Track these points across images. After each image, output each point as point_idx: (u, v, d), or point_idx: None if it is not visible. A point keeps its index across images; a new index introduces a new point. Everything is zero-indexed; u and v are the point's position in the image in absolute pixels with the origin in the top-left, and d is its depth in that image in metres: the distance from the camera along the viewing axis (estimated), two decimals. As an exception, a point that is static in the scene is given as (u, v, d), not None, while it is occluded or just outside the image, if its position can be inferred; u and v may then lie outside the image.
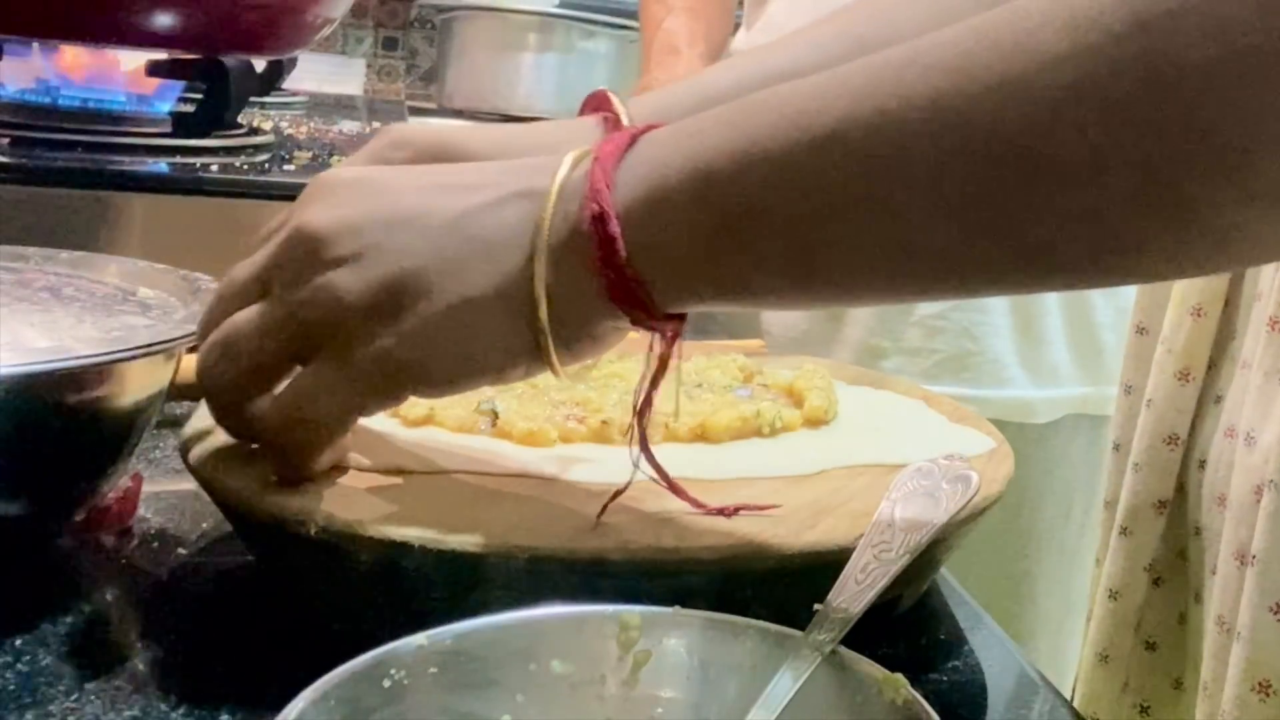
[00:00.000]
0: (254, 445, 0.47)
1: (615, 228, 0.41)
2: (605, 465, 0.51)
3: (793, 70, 0.61)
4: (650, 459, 0.47)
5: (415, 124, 0.59)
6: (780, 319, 1.12)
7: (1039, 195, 0.37)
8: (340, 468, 0.47)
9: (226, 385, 0.45)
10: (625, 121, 0.59)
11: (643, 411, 0.46)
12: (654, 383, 0.46)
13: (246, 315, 0.45)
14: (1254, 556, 0.64)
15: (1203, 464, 0.74)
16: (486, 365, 0.44)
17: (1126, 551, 0.78)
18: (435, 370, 0.43)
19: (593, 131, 0.60)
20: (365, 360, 0.43)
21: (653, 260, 0.42)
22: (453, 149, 0.56)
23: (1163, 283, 0.78)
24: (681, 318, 0.45)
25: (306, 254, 0.43)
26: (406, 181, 0.45)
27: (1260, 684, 0.63)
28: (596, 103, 0.61)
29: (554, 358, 0.43)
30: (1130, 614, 0.78)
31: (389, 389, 0.44)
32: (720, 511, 0.46)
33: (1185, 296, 0.75)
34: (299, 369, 0.45)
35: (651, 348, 0.46)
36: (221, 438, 0.49)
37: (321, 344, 0.44)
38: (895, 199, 0.38)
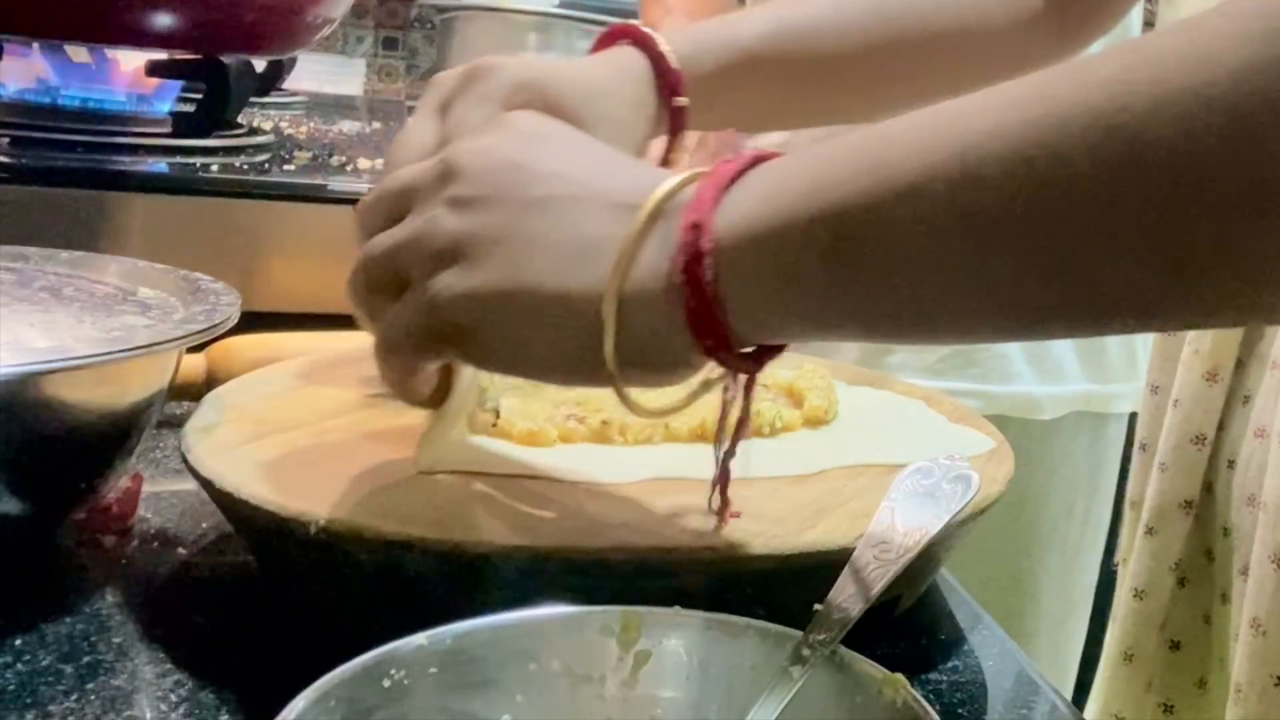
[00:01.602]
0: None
1: (708, 241, 0.39)
2: (605, 465, 0.51)
3: (812, 28, 0.60)
4: (726, 509, 0.46)
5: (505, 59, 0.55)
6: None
7: (1215, 218, 0.32)
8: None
9: (361, 299, 0.45)
10: (664, 48, 0.57)
11: (724, 482, 0.46)
12: (737, 434, 0.44)
13: (384, 237, 0.44)
14: None
15: (1231, 464, 0.73)
16: (538, 357, 0.42)
17: (1152, 551, 0.77)
18: (481, 342, 0.42)
19: (640, 65, 0.58)
20: (415, 301, 0.42)
21: (746, 281, 0.39)
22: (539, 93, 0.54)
23: None
24: (759, 361, 0.42)
25: (439, 181, 0.43)
26: (570, 148, 0.44)
27: None
28: (623, 34, 0.59)
29: (615, 370, 0.40)
30: (1155, 613, 0.78)
31: (425, 335, 0.43)
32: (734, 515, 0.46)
33: None
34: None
35: (725, 397, 0.44)
36: (222, 437, 0.49)
37: (410, 277, 0.43)
38: (1041, 225, 0.34)
